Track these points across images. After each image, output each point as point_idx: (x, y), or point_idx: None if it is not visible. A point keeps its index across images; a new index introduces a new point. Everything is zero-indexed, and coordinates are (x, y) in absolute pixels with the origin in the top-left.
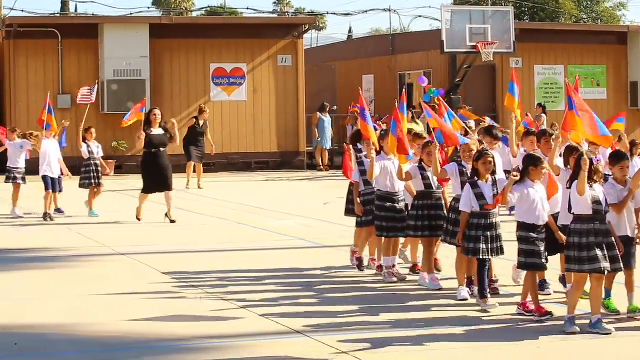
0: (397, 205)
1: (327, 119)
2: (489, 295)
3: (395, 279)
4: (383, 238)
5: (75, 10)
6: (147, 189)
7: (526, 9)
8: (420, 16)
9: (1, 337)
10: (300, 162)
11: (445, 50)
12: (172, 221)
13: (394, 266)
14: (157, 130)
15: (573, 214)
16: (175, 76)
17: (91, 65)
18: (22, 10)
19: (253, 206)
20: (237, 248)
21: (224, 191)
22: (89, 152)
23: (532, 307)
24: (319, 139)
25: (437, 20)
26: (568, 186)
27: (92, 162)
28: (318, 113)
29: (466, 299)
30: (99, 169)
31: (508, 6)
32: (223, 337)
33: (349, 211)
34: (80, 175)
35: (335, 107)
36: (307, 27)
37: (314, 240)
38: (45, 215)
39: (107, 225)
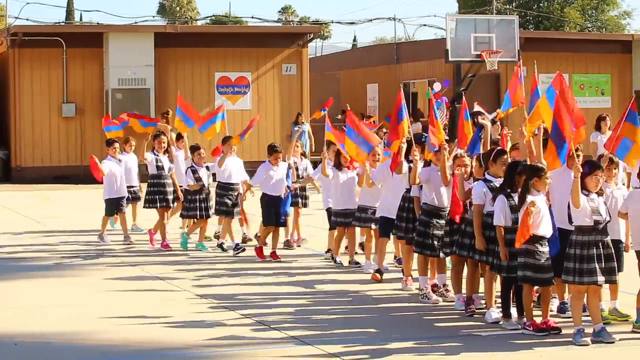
0: (442, 222)
1: (301, 128)
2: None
3: (436, 299)
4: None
5: (80, 19)
6: None
7: (531, 18)
8: (425, 25)
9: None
10: None
11: (450, 59)
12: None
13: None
14: None
15: (573, 225)
16: (179, 85)
17: (96, 74)
18: (27, 19)
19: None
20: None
21: None
22: None
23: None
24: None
25: (441, 29)
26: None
27: None
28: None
29: (498, 321)
30: None
31: (513, 15)
32: (220, 346)
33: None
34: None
35: (339, 115)
36: (311, 36)
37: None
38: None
39: None
